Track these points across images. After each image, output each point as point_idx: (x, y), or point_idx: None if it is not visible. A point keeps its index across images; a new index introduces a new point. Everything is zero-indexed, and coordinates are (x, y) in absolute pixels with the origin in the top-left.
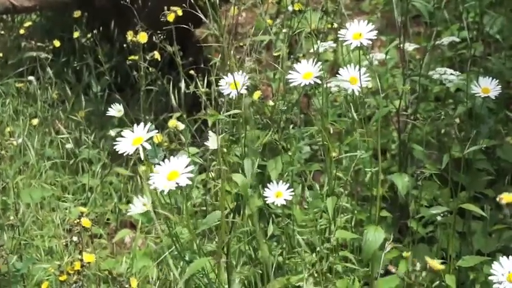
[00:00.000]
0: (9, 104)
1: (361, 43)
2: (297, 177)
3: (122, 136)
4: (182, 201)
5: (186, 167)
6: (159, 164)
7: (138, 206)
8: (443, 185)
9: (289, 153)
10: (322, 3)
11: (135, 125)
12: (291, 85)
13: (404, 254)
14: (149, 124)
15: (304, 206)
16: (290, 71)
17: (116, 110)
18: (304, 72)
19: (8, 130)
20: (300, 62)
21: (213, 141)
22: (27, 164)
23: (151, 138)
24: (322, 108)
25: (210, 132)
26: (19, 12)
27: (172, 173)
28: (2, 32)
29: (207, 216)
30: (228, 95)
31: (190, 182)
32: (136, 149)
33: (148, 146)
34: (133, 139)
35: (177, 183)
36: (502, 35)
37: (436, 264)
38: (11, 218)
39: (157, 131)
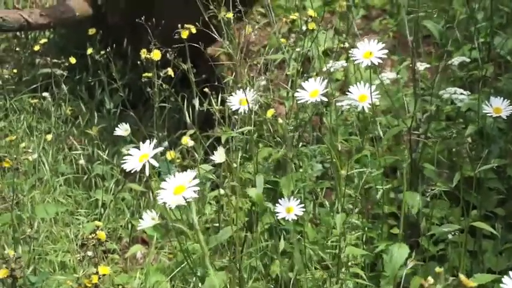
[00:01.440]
0: (23, 120)
1: (371, 62)
2: (308, 195)
3: (129, 154)
4: (193, 217)
5: (192, 180)
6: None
7: (148, 220)
8: (454, 203)
9: (301, 171)
10: (334, 23)
11: (141, 142)
12: (298, 103)
13: (437, 269)
14: (155, 141)
15: (315, 223)
16: (298, 89)
17: (123, 130)
18: (311, 91)
19: (22, 146)
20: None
21: (219, 156)
22: (41, 179)
23: (162, 154)
24: (332, 126)
25: (219, 147)
26: (33, 29)
27: (179, 187)
28: (17, 49)
29: (219, 232)
30: (242, 112)
31: (196, 195)
32: (143, 166)
33: (155, 163)
34: (139, 156)
35: (183, 196)
36: None
37: (467, 281)
38: (28, 231)
39: (168, 147)
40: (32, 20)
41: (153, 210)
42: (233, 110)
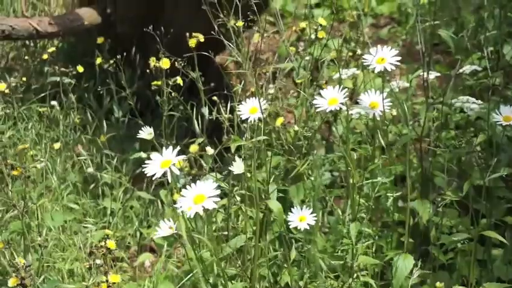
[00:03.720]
0: (32, 128)
1: (385, 68)
2: (317, 203)
3: (149, 159)
4: (203, 226)
5: (213, 190)
6: (185, 188)
7: (165, 230)
8: (463, 212)
9: (311, 179)
10: (343, 31)
11: (164, 148)
12: (317, 111)
13: (438, 285)
14: (178, 148)
15: (324, 232)
16: (316, 97)
17: (147, 133)
18: (330, 98)
19: (30, 154)
20: (322, 88)
21: (237, 166)
22: (49, 187)
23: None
24: (345, 134)
25: (235, 157)
26: (42, 37)
27: (199, 196)
28: (26, 57)
29: (228, 240)
30: (252, 121)
31: (216, 206)
32: (164, 172)
33: (176, 170)
34: (161, 162)
35: (203, 206)
36: None
37: None
38: (38, 239)
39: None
40: (41, 29)
41: (170, 219)
42: (242, 119)
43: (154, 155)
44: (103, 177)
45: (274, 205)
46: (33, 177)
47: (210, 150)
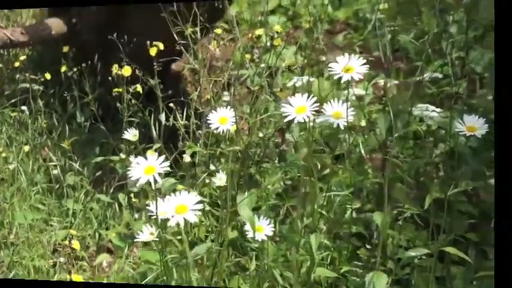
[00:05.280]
0: (4, 132)
1: (351, 77)
2: (269, 212)
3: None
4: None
5: (196, 205)
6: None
7: (146, 234)
8: (420, 225)
9: (263, 187)
10: (298, 38)
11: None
12: (285, 120)
13: None
14: (163, 157)
15: (275, 240)
16: (283, 105)
17: (131, 135)
18: (298, 107)
19: (3, 156)
20: (277, 96)
21: (219, 179)
22: (19, 187)
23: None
24: (300, 142)
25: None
26: (14, 46)
27: (181, 206)
28: (0, 65)
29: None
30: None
31: (197, 220)
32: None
33: (159, 179)
34: (145, 168)
35: (184, 218)
36: (488, 71)
37: None
38: (11, 236)
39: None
40: (14, 38)
41: (152, 225)
42: (212, 128)
43: (139, 159)
44: (66, 180)
45: (246, 213)
46: (6, 178)
47: (186, 158)
